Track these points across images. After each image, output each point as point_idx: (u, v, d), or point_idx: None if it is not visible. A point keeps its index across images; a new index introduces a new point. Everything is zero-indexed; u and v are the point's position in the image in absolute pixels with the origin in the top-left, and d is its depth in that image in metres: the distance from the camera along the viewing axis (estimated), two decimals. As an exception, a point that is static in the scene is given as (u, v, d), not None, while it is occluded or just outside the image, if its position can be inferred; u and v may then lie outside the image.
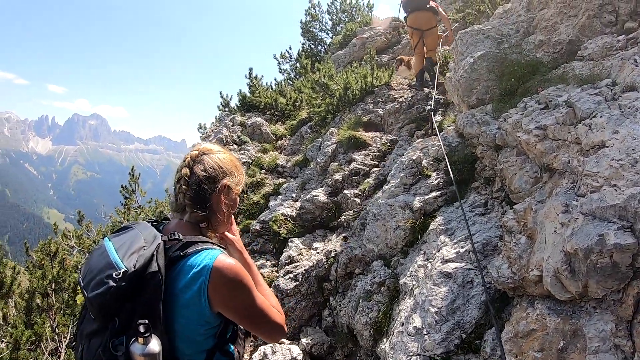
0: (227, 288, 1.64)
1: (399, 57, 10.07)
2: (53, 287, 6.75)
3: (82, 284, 1.60)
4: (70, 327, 6.27)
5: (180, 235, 1.70)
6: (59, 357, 5.85)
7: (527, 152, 3.56)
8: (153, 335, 1.48)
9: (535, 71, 4.50)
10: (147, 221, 1.89)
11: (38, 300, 6.49)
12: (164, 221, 1.95)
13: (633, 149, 2.42)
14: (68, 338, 6.19)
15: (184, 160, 1.86)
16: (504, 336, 2.74)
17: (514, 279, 2.83)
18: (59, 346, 6.05)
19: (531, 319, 2.60)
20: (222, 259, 1.65)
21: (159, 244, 1.62)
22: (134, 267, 1.51)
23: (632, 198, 2.19)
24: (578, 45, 4.47)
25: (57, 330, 6.27)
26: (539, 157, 3.34)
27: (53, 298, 6.65)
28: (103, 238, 1.81)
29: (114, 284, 1.48)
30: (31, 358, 5.45)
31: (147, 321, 1.46)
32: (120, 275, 1.49)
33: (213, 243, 1.77)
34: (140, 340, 1.46)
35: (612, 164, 2.44)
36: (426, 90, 8.00)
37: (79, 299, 1.54)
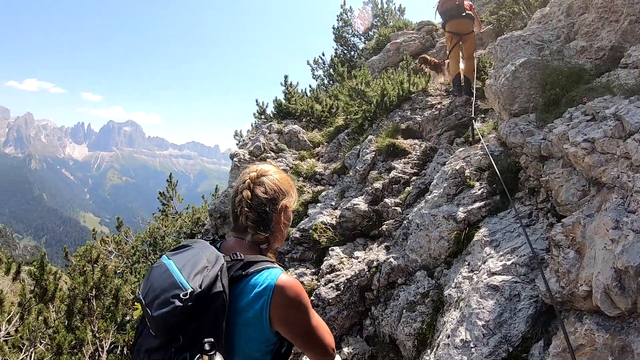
0: (288, 307, 1.69)
1: (422, 56, 10.03)
2: (94, 292, 6.94)
3: (143, 301, 1.65)
4: (111, 333, 6.44)
5: (241, 255, 1.76)
6: None
7: (575, 164, 3.53)
8: (217, 353, 1.51)
9: (579, 79, 4.45)
10: (205, 239, 1.94)
11: (80, 305, 6.68)
12: (220, 239, 2.01)
13: (686, 167, 2.39)
14: (109, 343, 6.35)
15: (244, 182, 1.93)
16: (551, 350, 2.74)
17: (562, 293, 2.82)
18: (100, 351, 6.22)
19: (579, 334, 2.59)
20: (284, 278, 1.71)
21: (223, 264, 1.68)
22: (200, 288, 1.57)
23: (685, 217, 2.16)
24: (621, 51, 4.40)
25: (97, 335, 6.44)
26: (586, 170, 3.32)
27: (94, 303, 6.83)
28: (161, 256, 1.86)
29: (180, 304, 1.53)
30: None
31: (212, 340, 1.51)
32: (188, 296, 1.54)
33: (273, 262, 1.81)
34: (205, 358, 1.49)
35: (665, 181, 2.42)
36: (464, 96, 7.96)
37: (136, 313, 1.61)
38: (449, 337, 3.56)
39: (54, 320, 6.69)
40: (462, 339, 3.35)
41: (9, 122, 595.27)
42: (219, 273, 1.64)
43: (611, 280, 2.38)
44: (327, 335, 1.87)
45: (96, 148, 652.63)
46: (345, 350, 4.92)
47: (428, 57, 9.79)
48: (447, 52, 8.89)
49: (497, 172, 4.42)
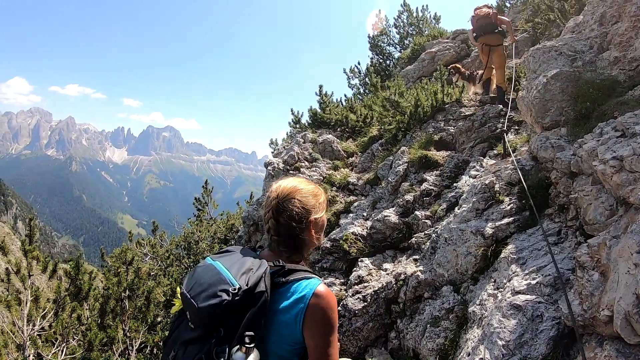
0: (318, 315, 1.80)
1: (453, 66, 9.93)
2: (127, 293, 7.13)
3: (188, 295, 1.78)
4: (141, 332, 6.59)
5: (282, 262, 1.91)
6: (129, 359, 6.18)
7: (603, 182, 3.43)
8: (254, 348, 1.65)
9: (611, 92, 4.33)
10: (247, 247, 2.09)
11: (112, 304, 6.88)
12: (259, 249, 2.13)
13: None
14: (138, 343, 6.51)
15: (268, 211, 2.02)
16: (572, 377, 2.68)
17: (584, 317, 2.75)
18: (130, 349, 6.37)
19: (599, 361, 2.52)
20: (321, 289, 1.83)
21: (267, 268, 1.83)
22: (247, 285, 1.72)
23: None
24: (656, 62, 4.27)
25: (128, 334, 6.62)
26: (615, 189, 3.22)
27: (127, 304, 7.02)
28: (204, 258, 2.01)
29: (228, 298, 1.68)
30: (102, 358, 5.79)
31: (253, 333, 1.65)
32: (236, 291, 1.69)
33: (311, 272, 1.94)
34: (243, 349, 1.63)
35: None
36: (499, 107, 7.87)
37: (174, 309, 1.73)
38: (469, 355, 3.51)
39: (87, 318, 6.91)
40: (482, 358, 3.31)
41: (51, 126, 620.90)
42: (263, 275, 1.79)
43: (632, 307, 2.29)
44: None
45: (135, 152, 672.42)
46: (369, 364, 4.92)
47: (460, 67, 9.70)
48: (484, 63, 8.94)
49: (526, 187, 4.35)
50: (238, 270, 1.80)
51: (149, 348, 6.79)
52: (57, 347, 6.06)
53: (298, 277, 1.86)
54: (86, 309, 7.16)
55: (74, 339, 6.42)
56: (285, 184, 2.05)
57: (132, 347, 6.39)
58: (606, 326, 2.59)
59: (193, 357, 1.70)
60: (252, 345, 1.63)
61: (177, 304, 1.99)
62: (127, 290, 7.15)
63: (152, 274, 11.66)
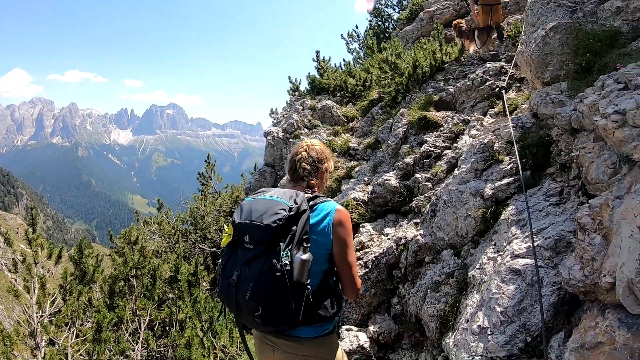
0: (342, 225, 2.45)
1: (457, 22, 9.61)
2: (134, 272, 7.17)
3: (249, 220, 2.32)
4: (149, 310, 6.61)
5: (310, 192, 2.59)
6: (139, 337, 6.21)
7: (605, 138, 3.24)
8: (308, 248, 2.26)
9: (614, 43, 4.09)
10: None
11: (121, 285, 6.91)
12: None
13: None
14: (147, 320, 6.53)
15: (301, 148, 2.77)
16: (570, 345, 2.56)
17: (585, 282, 2.61)
18: (139, 327, 6.40)
19: (600, 330, 2.39)
20: (339, 207, 2.51)
21: (303, 194, 2.44)
22: (297, 204, 2.32)
23: None
24: (661, 11, 4.02)
25: (137, 312, 6.64)
26: (617, 145, 3.03)
27: (134, 283, 7.04)
28: (244, 200, 2.55)
29: (287, 213, 2.26)
30: (113, 338, 5.82)
31: (308, 237, 2.30)
32: (293, 208, 2.29)
33: (330, 198, 2.59)
34: (301, 248, 2.24)
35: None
36: (498, 64, 7.62)
37: (224, 242, 2.03)
38: (467, 321, 3.43)
39: (97, 300, 6.95)
40: (480, 325, 3.22)
41: (54, 114, 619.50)
42: (304, 199, 2.39)
43: (635, 274, 2.15)
44: (357, 273, 2.65)
45: (140, 132, 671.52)
46: (372, 328, 4.88)
47: (463, 25, 9.37)
48: (482, 24, 8.82)
49: (516, 149, 4.25)
50: (284, 197, 2.38)
51: (157, 324, 6.83)
52: (68, 331, 6.09)
53: (321, 200, 2.50)
54: (96, 291, 7.23)
55: (88, 322, 6.48)
56: (310, 140, 2.84)
57: (142, 324, 6.41)
58: (608, 293, 2.45)
59: (260, 268, 2.22)
60: (308, 245, 2.26)
61: (225, 239, 2.51)
62: (133, 270, 7.17)
63: (159, 251, 11.70)
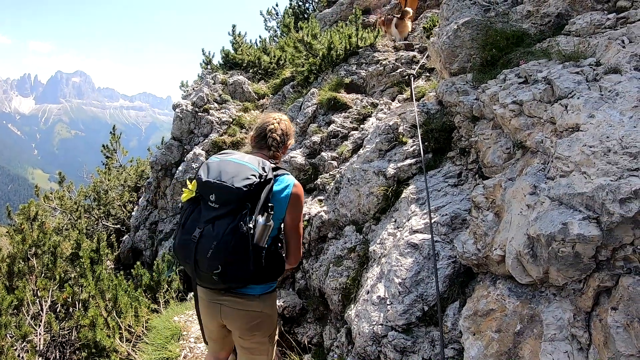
0: (297, 200, 2.67)
1: (385, 16, 9.84)
2: (34, 251, 6.69)
3: (215, 181, 2.40)
4: (50, 291, 6.21)
5: (274, 163, 2.73)
6: (41, 320, 5.83)
7: (503, 126, 3.51)
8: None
9: (520, 43, 4.39)
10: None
11: (21, 264, 6.42)
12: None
13: (607, 137, 2.33)
14: (49, 301, 6.14)
15: (274, 119, 2.89)
16: (463, 312, 2.75)
17: (478, 255, 2.82)
18: (40, 310, 6.01)
19: (491, 299, 2.60)
20: (297, 182, 2.70)
21: (270, 165, 2.56)
22: (265, 173, 2.44)
23: (600, 189, 2.11)
24: (567, 19, 4.31)
25: (38, 294, 6.22)
26: (513, 132, 3.29)
27: (34, 262, 6.59)
28: (208, 160, 2.61)
29: (257, 179, 2.38)
30: (14, 322, 5.42)
31: (272, 205, 2.41)
32: (263, 175, 2.42)
33: (289, 172, 2.75)
34: (265, 214, 2.36)
35: (584, 149, 2.36)
36: (411, 53, 7.90)
37: (184, 197, 1.99)
38: (368, 292, 3.56)
39: None
40: (379, 296, 3.36)
41: None
42: (270, 169, 2.51)
43: (524, 247, 2.35)
44: (301, 244, 2.85)
45: (44, 101, 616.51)
46: (277, 303, 4.90)
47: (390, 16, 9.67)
48: (403, 8, 9.03)
49: (419, 133, 4.47)
50: (253, 163, 2.48)
51: (59, 306, 6.41)
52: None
53: (282, 173, 2.66)
54: None
55: None
56: (280, 115, 2.97)
57: (43, 306, 5.99)
58: (499, 265, 2.67)
59: (225, 228, 2.32)
60: (272, 213, 2.38)
61: (186, 194, 2.61)
62: (32, 248, 6.67)
63: (61, 228, 10.97)
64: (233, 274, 2.38)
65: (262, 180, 2.40)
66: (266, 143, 2.81)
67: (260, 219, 2.35)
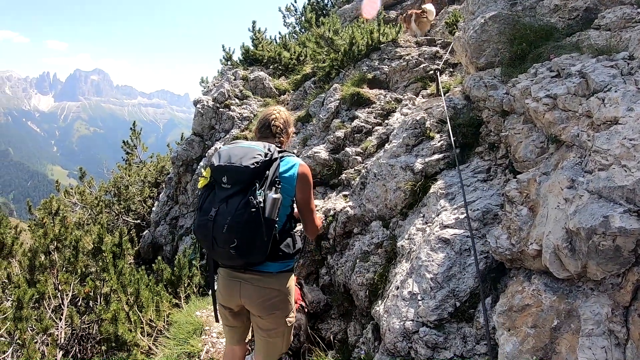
0: (304, 177, 2.86)
1: (409, 13, 9.74)
2: (55, 245, 6.77)
3: (226, 164, 2.61)
4: (71, 285, 6.28)
5: (280, 147, 2.99)
6: (62, 314, 5.89)
7: (535, 120, 3.47)
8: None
9: (549, 37, 4.33)
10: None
11: (42, 258, 6.50)
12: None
13: (647, 130, 2.31)
14: (70, 295, 6.21)
15: (275, 111, 3.15)
16: (497, 308, 2.73)
17: (512, 250, 2.79)
18: (62, 304, 6.07)
19: (527, 294, 2.58)
20: (302, 162, 2.90)
21: (275, 147, 2.77)
22: (270, 152, 2.66)
23: (641, 181, 2.08)
24: (595, 13, 4.25)
25: (59, 287, 6.29)
26: (546, 127, 3.25)
27: (56, 256, 6.66)
28: (220, 148, 2.81)
29: (263, 158, 2.59)
30: (35, 316, 5.49)
31: (279, 180, 2.65)
32: (268, 154, 2.64)
33: (294, 154, 2.97)
34: (273, 189, 2.58)
35: (623, 142, 2.33)
36: (434, 48, 7.84)
37: (201, 184, 2.18)
38: (397, 288, 3.55)
39: (16, 275, 6.49)
40: (410, 291, 3.34)
41: None
42: (275, 149, 2.73)
43: (562, 241, 2.32)
44: (318, 217, 3.12)
45: (62, 98, 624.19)
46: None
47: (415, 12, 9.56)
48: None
49: (449, 124, 4.46)
50: (259, 145, 2.71)
51: (81, 300, 6.49)
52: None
53: (288, 154, 2.87)
54: (16, 266, 6.74)
55: (7, 300, 6.05)
56: (278, 107, 3.23)
57: (64, 300, 6.06)
58: (534, 260, 2.64)
59: (237, 204, 2.51)
60: (279, 187, 2.62)
61: (202, 181, 2.77)
62: (54, 242, 6.74)
63: (82, 223, 11.09)
64: (248, 247, 2.54)
65: (268, 158, 2.61)
66: (271, 131, 3.06)
67: (270, 194, 2.54)
